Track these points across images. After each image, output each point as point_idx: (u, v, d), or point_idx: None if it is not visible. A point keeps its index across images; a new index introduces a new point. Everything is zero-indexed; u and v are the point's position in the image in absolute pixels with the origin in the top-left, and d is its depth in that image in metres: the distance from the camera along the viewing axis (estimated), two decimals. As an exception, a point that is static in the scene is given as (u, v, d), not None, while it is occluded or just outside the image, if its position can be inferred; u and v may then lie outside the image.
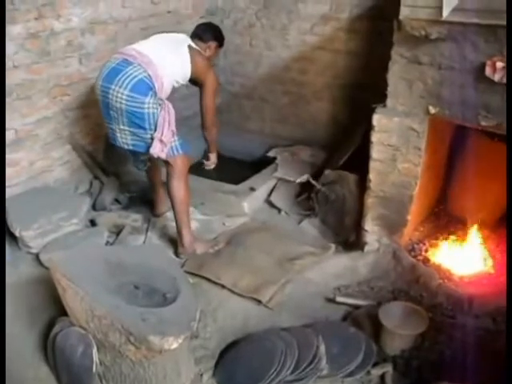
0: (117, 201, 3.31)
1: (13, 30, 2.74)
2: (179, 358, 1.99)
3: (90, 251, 2.32)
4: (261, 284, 2.58)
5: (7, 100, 2.81)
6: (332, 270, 2.73)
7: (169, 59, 2.67)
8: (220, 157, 3.28)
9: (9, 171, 2.92)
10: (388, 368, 2.09)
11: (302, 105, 3.93)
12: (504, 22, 2.01)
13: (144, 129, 2.59)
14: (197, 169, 3.26)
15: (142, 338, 1.76)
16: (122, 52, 2.65)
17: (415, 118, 2.47)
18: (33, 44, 2.87)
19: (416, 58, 2.37)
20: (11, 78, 2.81)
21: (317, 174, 3.35)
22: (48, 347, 2.09)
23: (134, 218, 3.14)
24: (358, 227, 2.86)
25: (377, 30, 3.30)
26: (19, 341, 2.18)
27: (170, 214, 2.96)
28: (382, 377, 2.07)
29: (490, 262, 2.69)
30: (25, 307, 2.36)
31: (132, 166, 3.08)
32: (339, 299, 2.49)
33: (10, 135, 2.91)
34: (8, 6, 2.66)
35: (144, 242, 2.95)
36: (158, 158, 2.70)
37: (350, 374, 2.05)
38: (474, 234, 2.78)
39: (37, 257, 2.74)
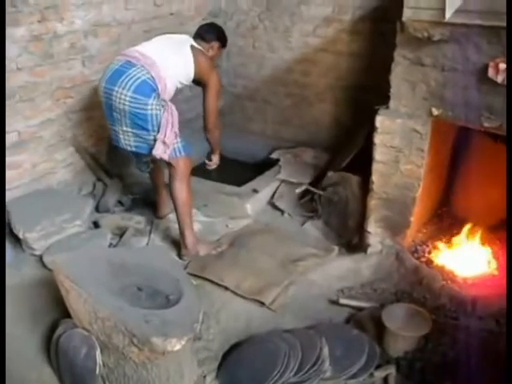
0: (120, 203, 3.31)
1: (16, 33, 2.74)
2: (182, 360, 1.99)
3: (94, 253, 2.33)
4: (264, 286, 2.58)
5: (10, 102, 2.81)
6: (335, 272, 2.73)
7: (172, 60, 2.67)
8: (223, 158, 3.28)
9: (12, 173, 2.92)
10: (391, 370, 2.08)
11: (304, 106, 3.93)
12: (507, 24, 2.02)
13: (147, 130, 2.60)
14: (200, 170, 3.26)
15: (145, 340, 1.76)
16: (125, 54, 2.66)
17: (418, 120, 2.47)
18: (36, 46, 2.88)
19: (419, 60, 2.37)
20: (14, 81, 2.81)
21: (320, 176, 3.35)
22: (51, 349, 2.09)
23: (137, 220, 3.13)
24: (361, 229, 2.85)
25: (379, 32, 3.30)
26: (22, 342, 2.18)
27: (172, 216, 2.96)
28: (386, 379, 2.07)
29: (493, 264, 2.68)
30: (28, 309, 2.36)
31: (135, 168, 3.07)
32: (342, 301, 2.48)
33: (13, 137, 2.91)
34: (11, 9, 2.67)
35: (147, 244, 2.95)
36: (161, 160, 2.71)
37: (353, 376, 2.05)
38: (477, 236, 2.77)
39: (40, 259, 2.74)
